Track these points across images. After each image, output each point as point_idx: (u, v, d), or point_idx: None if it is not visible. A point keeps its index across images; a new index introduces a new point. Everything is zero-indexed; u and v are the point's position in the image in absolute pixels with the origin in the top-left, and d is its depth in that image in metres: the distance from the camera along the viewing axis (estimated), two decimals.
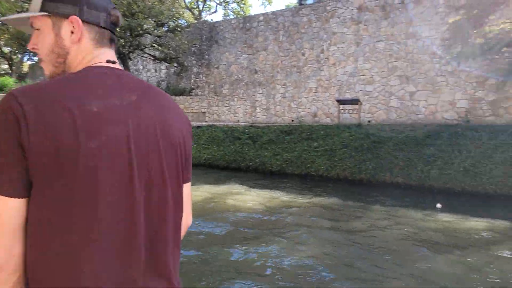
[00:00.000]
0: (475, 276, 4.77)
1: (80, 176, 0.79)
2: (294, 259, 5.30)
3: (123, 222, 0.84)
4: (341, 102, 14.60)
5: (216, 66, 20.08)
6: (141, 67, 23.91)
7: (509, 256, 5.48)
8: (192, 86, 20.99)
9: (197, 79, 20.90)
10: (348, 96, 15.59)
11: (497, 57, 10.74)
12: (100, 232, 0.80)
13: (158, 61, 20.12)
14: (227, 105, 19.66)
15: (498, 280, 4.64)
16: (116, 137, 0.84)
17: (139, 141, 0.88)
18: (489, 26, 9.55)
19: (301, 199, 9.01)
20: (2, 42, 33.57)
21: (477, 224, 7.05)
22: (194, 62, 20.91)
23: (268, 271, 4.90)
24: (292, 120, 17.04)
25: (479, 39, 9.80)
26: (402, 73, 14.48)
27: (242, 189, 10.21)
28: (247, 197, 9.20)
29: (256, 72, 18.54)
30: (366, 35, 15.28)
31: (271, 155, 13.15)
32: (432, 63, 13.81)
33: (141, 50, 18.18)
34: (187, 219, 1.15)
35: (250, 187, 10.47)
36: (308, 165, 12.06)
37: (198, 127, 17.10)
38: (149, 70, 23.59)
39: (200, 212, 7.63)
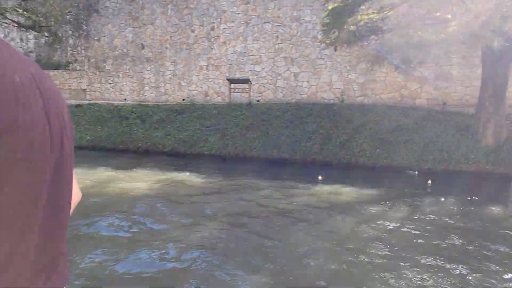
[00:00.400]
0: (351, 233, 5.46)
1: (19, 154, 0.69)
2: (184, 244, 5.28)
3: (46, 207, 0.78)
4: (231, 81, 14.79)
5: (96, 38, 18.24)
6: (2, 36, 20.29)
7: (375, 216, 6.40)
8: (69, 60, 18.74)
9: (75, 52, 18.72)
10: (238, 75, 15.87)
11: (366, 44, 12.13)
12: (28, 218, 0.73)
13: (24, 29, 17.31)
14: (111, 82, 18.16)
15: (370, 234, 5.39)
16: (39, 112, 0.75)
17: (50, 117, 0.80)
18: (360, 15, 10.69)
19: (194, 179, 8.98)
20: None
21: (350, 191, 8.03)
22: (70, 32, 18.58)
23: (157, 259, 4.79)
24: (183, 99, 16.66)
25: (352, 27, 10.90)
26: (287, 55, 15.31)
27: (131, 172, 9.68)
28: (136, 180, 8.76)
29: (143, 47, 17.45)
30: (255, 15, 15.62)
31: (163, 135, 12.71)
32: (314, 47, 14.91)
33: (1, 14, 15.34)
34: (78, 195, 1.11)
35: (140, 169, 9.99)
36: (201, 144, 12.03)
37: (78, 105, 15.46)
38: (13, 39, 20.16)
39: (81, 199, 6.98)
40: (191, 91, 16.79)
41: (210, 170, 9.99)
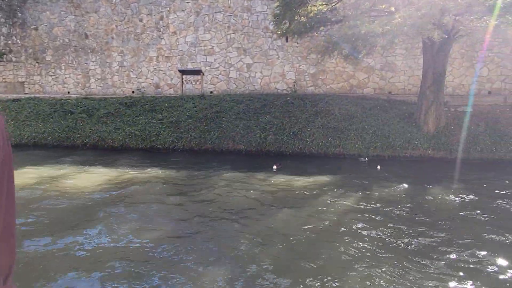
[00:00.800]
0: (307, 222, 5.59)
1: None
2: (142, 241, 5.12)
3: (3, 210, 0.85)
4: (183, 72, 14.44)
5: (34, 27, 16.91)
6: None
7: (329, 203, 6.60)
8: (3, 50, 17.23)
9: (9, 42, 17.23)
10: (190, 66, 15.53)
11: (316, 34, 12.36)
12: None
13: None
14: (53, 74, 16.99)
15: (325, 221, 5.55)
16: None
17: None
18: (310, 6, 10.86)
19: (148, 174, 8.70)
20: None
21: (304, 181, 8.21)
22: (2, 20, 17.10)
23: (112, 258, 4.60)
24: (133, 92, 16.02)
25: (303, 18, 11.04)
26: (239, 45, 15.21)
27: (77, 169, 9.17)
28: (83, 178, 8.31)
29: (87, 36, 16.47)
30: (205, 5, 15.31)
31: (111, 129, 12.15)
32: (265, 37, 14.94)
33: None
34: None
35: (88, 165, 9.49)
36: (153, 138, 11.66)
37: (15, 100, 14.33)
38: None
39: (24, 200, 6.51)
40: (141, 83, 16.19)
41: (163, 165, 9.72)
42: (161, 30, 15.81)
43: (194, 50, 15.63)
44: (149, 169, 9.11)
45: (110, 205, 6.50)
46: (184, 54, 15.73)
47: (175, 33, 15.71)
